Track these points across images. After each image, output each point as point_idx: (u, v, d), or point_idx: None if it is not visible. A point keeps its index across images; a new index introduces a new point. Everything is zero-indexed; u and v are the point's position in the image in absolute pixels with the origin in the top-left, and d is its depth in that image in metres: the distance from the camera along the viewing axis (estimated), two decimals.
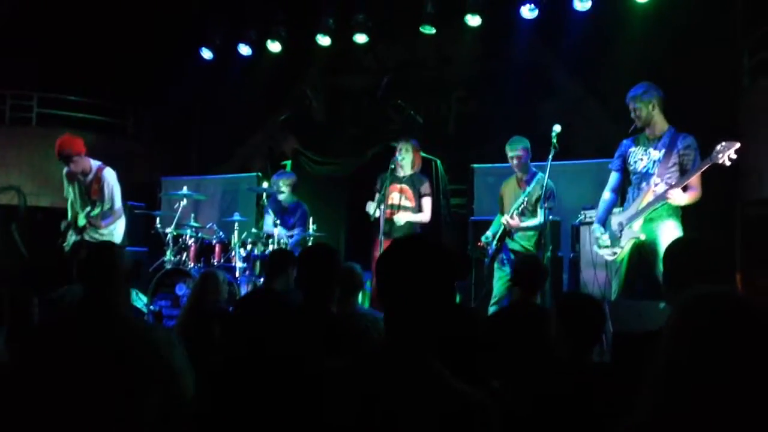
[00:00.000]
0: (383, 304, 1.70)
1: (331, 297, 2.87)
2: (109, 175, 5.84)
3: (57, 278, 5.31)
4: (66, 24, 9.65)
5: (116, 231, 5.93)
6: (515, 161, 5.53)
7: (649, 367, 1.58)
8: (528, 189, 5.38)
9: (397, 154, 6.07)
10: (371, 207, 6.03)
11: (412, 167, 6.14)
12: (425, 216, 6.09)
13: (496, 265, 5.53)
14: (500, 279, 5.48)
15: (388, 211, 5.98)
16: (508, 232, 5.50)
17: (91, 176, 5.82)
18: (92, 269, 2.50)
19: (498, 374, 2.78)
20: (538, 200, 5.36)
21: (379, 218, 5.90)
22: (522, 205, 5.37)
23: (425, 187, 6.13)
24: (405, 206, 6.06)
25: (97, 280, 2.48)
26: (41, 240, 7.24)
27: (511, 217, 5.39)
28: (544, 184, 5.14)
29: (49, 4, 9.64)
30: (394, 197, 6.05)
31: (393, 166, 5.97)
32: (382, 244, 5.74)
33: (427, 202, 6.10)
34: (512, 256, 5.44)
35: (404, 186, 6.09)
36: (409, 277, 1.65)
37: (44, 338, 2.43)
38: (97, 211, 5.78)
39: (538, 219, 5.36)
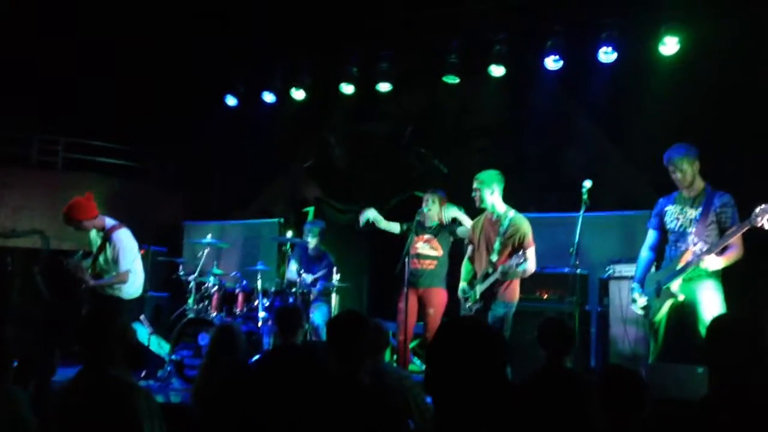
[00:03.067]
0: (432, 392, 1.65)
1: (362, 366, 2.84)
2: (119, 238, 5.72)
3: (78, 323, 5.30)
4: (92, 70, 9.84)
5: (124, 288, 5.77)
6: (475, 194, 5.35)
7: None
8: (501, 230, 5.17)
9: (423, 205, 6.06)
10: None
11: (438, 218, 6.11)
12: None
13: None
14: None
15: (414, 260, 5.92)
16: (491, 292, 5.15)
17: (103, 234, 5.77)
18: (85, 334, 2.58)
19: None
20: (518, 245, 5.13)
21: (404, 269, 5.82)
22: (500, 250, 5.15)
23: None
24: (430, 255, 6.03)
25: (90, 344, 2.56)
26: (63, 284, 7.24)
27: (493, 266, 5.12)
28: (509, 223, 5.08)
29: (75, 50, 9.83)
30: (420, 247, 6.03)
31: (419, 218, 5.95)
32: (407, 295, 5.67)
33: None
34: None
35: (429, 236, 6.07)
36: (461, 364, 1.63)
37: (54, 406, 2.46)
38: (98, 264, 5.73)
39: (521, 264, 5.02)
